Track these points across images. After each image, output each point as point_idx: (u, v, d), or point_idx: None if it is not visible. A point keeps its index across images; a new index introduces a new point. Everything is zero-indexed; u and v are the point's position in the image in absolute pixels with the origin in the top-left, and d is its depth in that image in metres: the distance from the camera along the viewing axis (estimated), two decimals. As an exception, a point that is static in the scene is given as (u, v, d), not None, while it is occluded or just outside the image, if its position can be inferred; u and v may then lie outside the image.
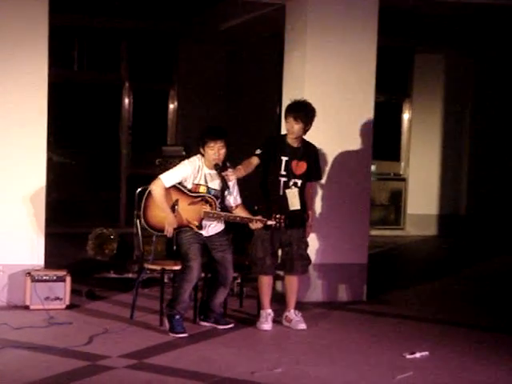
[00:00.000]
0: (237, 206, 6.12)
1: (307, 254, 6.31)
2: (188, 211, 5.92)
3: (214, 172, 5.95)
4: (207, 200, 5.92)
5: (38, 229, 6.68)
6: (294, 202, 6.13)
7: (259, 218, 5.93)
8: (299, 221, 6.20)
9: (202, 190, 5.94)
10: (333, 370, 5.15)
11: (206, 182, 5.95)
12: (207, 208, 5.92)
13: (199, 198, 5.93)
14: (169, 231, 5.90)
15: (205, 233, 5.96)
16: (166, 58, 12.37)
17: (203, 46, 11.90)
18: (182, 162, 6.05)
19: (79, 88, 12.14)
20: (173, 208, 5.90)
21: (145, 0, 10.50)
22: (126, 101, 12.17)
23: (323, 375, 5.02)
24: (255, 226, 5.95)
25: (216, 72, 12.09)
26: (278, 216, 5.86)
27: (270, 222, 5.90)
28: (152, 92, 12.55)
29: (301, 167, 6.19)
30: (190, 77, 12.10)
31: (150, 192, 5.97)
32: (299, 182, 6.18)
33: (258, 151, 6.12)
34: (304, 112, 6.13)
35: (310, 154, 6.29)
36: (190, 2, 10.38)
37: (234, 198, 6.10)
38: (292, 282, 6.30)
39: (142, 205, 6.01)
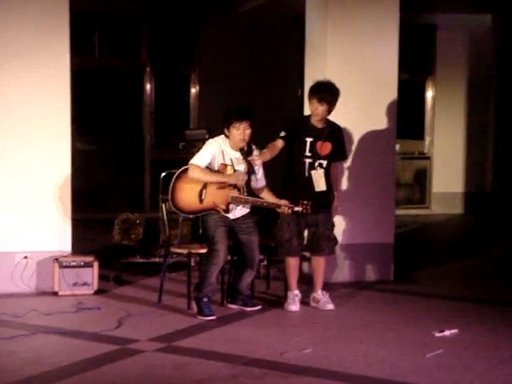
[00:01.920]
0: (262, 189, 6.11)
1: (334, 235, 6.30)
2: (215, 195, 5.90)
3: (239, 155, 5.93)
4: (235, 185, 5.91)
5: (64, 215, 6.72)
6: (320, 184, 6.10)
7: (286, 203, 5.90)
8: (325, 202, 6.18)
9: (230, 170, 5.93)
10: (362, 349, 5.14)
11: (232, 165, 5.94)
12: (235, 193, 5.90)
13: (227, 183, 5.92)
14: (239, 180, 5.85)
15: (231, 215, 5.95)
16: (187, 42, 12.34)
17: (224, 29, 11.85)
18: (207, 142, 6.05)
19: (100, 74, 12.16)
20: (201, 192, 5.90)
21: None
22: (148, 86, 12.18)
23: (352, 355, 5.01)
24: (282, 210, 5.93)
25: (237, 55, 12.05)
26: (305, 202, 5.83)
27: (296, 209, 5.87)
28: (173, 77, 12.55)
29: (326, 148, 6.16)
30: (211, 60, 12.07)
31: (178, 175, 5.95)
32: (324, 163, 6.15)
33: (283, 133, 6.08)
34: (328, 93, 6.08)
35: (335, 134, 6.24)
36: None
37: (259, 181, 6.09)
38: (319, 263, 6.28)
39: (170, 187, 5.98)
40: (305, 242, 6.32)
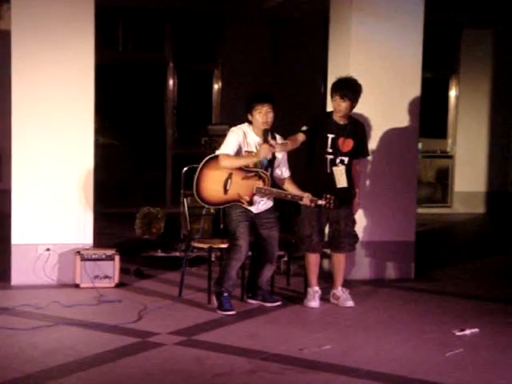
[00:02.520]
0: (285, 179, 6.10)
1: (355, 232, 6.29)
2: (241, 186, 5.88)
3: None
4: (260, 175, 5.89)
5: (86, 209, 6.77)
6: (341, 180, 6.08)
7: (310, 196, 5.88)
8: (347, 198, 6.17)
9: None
10: (381, 346, 5.13)
11: (256, 150, 5.90)
12: (260, 184, 5.90)
13: (253, 173, 5.89)
14: (267, 153, 5.78)
15: (254, 210, 5.94)
16: (210, 37, 12.37)
17: (247, 26, 11.86)
18: (231, 130, 6.00)
19: (124, 69, 12.23)
20: (226, 182, 5.89)
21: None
22: (171, 81, 12.22)
23: (371, 352, 5.00)
24: (305, 202, 5.90)
25: (260, 51, 12.06)
26: (328, 196, 5.83)
27: (320, 202, 5.83)
28: (196, 72, 12.58)
29: (347, 144, 6.14)
30: (234, 56, 12.09)
31: (203, 165, 5.92)
32: (346, 160, 6.13)
33: (304, 128, 6.07)
34: (351, 90, 6.06)
35: (357, 131, 6.23)
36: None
37: (282, 171, 6.08)
38: (339, 260, 6.28)
39: (195, 178, 5.92)
40: (326, 238, 6.32)
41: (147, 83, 12.38)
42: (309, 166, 6.19)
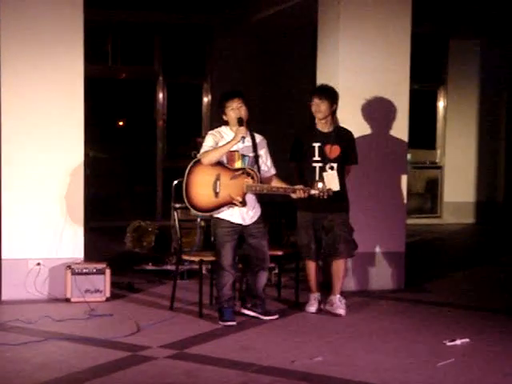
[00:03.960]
0: (272, 178, 6.07)
1: (352, 238, 6.31)
2: (230, 186, 5.83)
3: (246, 144, 5.88)
4: (248, 173, 5.85)
5: (77, 223, 6.76)
6: (333, 184, 6.05)
7: (301, 187, 5.87)
8: (340, 204, 6.19)
9: (238, 157, 5.88)
10: (373, 357, 5.14)
11: (237, 150, 5.87)
12: (249, 181, 5.85)
13: (240, 171, 5.86)
14: (243, 132, 5.81)
15: (242, 222, 5.92)
16: (199, 51, 12.41)
17: (236, 39, 11.91)
18: (207, 133, 6.00)
19: (114, 83, 12.24)
20: (215, 184, 5.84)
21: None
22: (161, 95, 12.24)
23: (363, 363, 5.01)
24: (298, 194, 5.86)
25: (249, 64, 12.09)
26: (320, 186, 5.85)
27: (313, 191, 5.81)
28: (186, 86, 12.61)
29: (335, 151, 6.20)
30: (223, 70, 12.12)
31: (188, 172, 5.86)
32: (335, 166, 6.17)
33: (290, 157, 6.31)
34: (327, 91, 6.21)
35: (343, 137, 6.28)
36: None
37: (268, 167, 6.06)
38: (337, 267, 6.29)
39: (183, 184, 5.87)
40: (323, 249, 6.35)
41: (137, 97, 12.40)
42: (298, 177, 6.23)
